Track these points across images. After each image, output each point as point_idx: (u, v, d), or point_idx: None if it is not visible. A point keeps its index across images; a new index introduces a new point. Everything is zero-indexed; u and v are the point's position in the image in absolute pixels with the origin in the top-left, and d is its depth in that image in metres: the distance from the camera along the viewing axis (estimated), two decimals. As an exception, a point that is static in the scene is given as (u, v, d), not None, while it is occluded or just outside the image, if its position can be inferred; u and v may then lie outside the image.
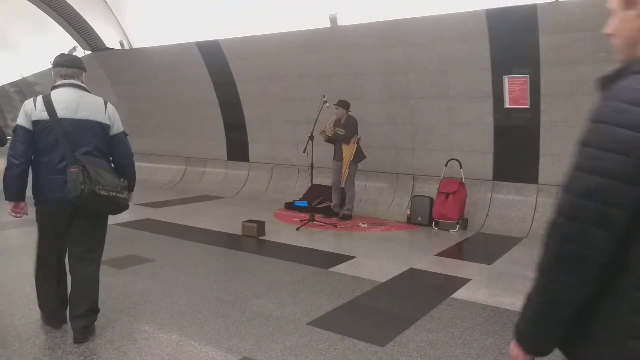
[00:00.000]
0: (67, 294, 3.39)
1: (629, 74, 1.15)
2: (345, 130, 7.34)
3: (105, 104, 3.43)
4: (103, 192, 3.11)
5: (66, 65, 3.32)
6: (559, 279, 1.18)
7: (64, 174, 3.14)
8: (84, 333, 3.26)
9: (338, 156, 7.56)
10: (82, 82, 3.38)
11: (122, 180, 3.30)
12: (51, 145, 3.18)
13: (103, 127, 3.34)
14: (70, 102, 3.23)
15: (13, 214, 3.27)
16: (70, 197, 3.09)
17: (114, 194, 3.18)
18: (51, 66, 3.43)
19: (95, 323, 3.38)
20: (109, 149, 3.39)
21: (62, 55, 3.43)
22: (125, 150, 3.50)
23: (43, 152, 3.19)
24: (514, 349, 1.32)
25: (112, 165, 3.41)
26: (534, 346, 1.28)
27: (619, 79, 1.15)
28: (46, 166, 3.19)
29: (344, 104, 7.39)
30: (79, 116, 3.24)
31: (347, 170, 7.39)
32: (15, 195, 3.22)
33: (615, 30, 1.25)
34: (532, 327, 1.26)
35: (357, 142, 7.41)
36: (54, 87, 3.31)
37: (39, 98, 3.23)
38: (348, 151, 7.37)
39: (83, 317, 3.25)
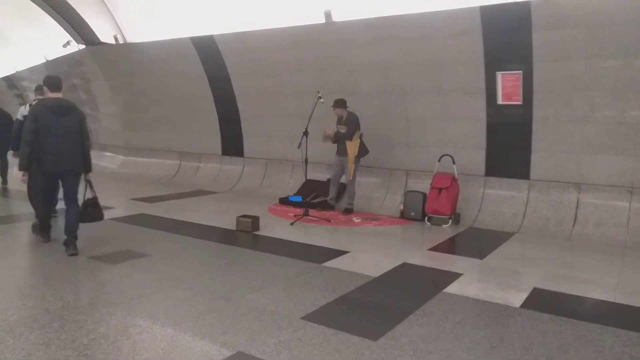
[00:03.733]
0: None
1: (35, 99, 6.39)
2: (347, 127, 7.43)
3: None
4: None
5: (40, 88, 6.39)
6: (24, 146, 5.02)
7: None
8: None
9: (341, 152, 7.63)
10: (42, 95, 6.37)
11: None
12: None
13: None
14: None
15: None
16: None
17: None
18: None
19: (90, 318, 3.40)
20: None
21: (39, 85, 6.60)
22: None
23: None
24: (19, 174, 5.24)
25: None
26: (24, 167, 5.08)
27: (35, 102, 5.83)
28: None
29: (339, 103, 7.47)
30: None
31: (354, 165, 7.49)
32: (15, 147, 6.42)
33: None
34: (22, 160, 5.09)
35: (360, 137, 7.48)
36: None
37: (27, 105, 6.56)
38: (352, 147, 7.44)
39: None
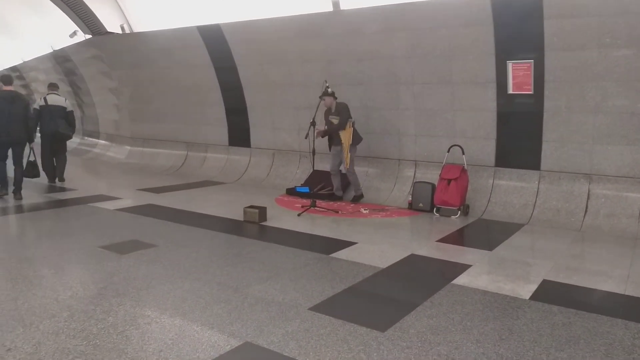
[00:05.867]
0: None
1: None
2: (338, 117, 7.44)
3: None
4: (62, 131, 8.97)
5: (52, 86, 9.33)
6: None
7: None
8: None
9: (336, 141, 7.66)
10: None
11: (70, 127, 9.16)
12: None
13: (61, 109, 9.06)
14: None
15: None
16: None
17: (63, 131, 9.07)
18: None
19: (99, 308, 3.42)
20: (67, 118, 9.04)
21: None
22: (72, 119, 9.17)
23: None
24: None
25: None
26: None
27: None
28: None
29: (327, 93, 7.49)
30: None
31: (349, 154, 7.47)
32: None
33: None
34: None
35: (353, 125, 7.49)
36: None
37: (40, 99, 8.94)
38: (346, 136, 7.46)
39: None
